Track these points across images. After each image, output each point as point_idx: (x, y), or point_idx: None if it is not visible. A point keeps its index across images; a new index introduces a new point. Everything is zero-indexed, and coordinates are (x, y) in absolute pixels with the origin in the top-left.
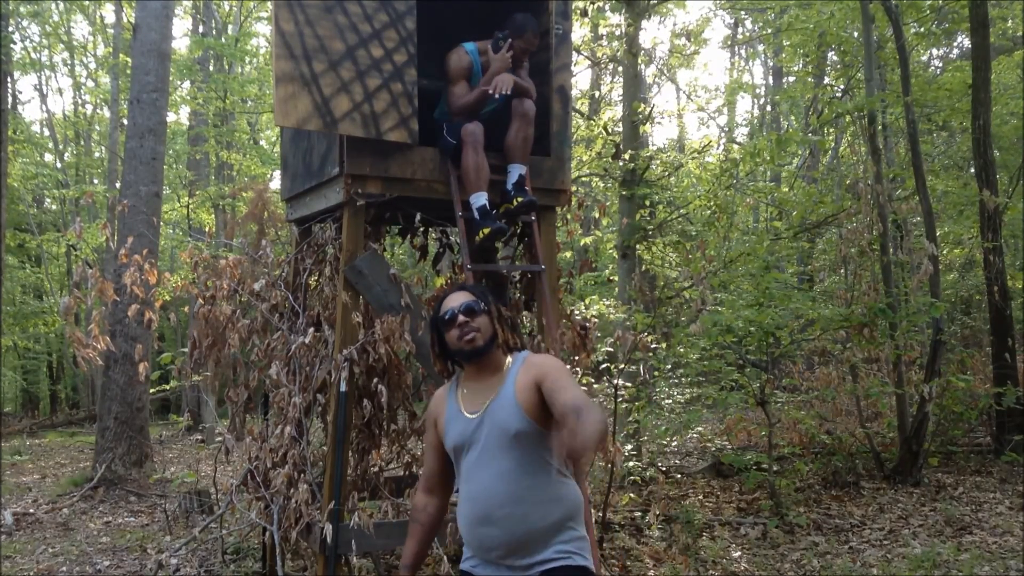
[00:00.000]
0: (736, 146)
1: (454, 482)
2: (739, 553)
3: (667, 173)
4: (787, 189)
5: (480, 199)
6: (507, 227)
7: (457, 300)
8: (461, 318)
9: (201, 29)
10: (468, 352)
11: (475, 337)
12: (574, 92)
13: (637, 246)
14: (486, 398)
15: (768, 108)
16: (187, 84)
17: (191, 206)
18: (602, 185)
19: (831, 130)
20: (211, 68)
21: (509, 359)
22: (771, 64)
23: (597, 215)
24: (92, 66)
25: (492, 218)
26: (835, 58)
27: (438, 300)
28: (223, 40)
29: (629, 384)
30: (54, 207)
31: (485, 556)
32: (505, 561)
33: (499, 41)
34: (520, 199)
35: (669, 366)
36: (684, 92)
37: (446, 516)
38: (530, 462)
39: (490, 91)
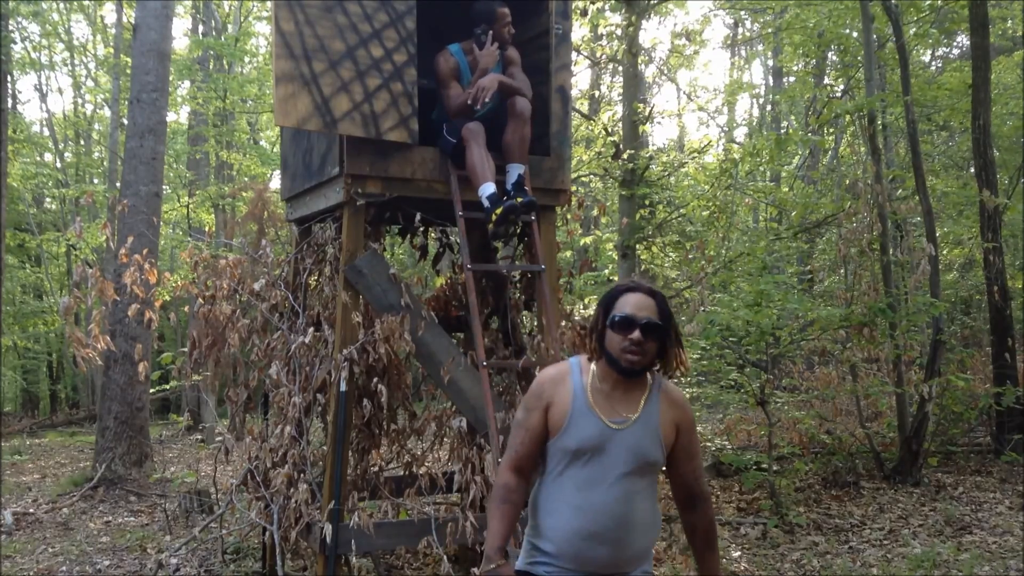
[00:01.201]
0: (736, 146)
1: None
2: (739, 553)
3: (667, 173)
4: (787, 189)
5: (488, 188)
6: (520, 207)
7: (643, 311)
8: (636, 335)
9: (201, 29)
10: (622, 367)
11: (637, 361)
12: (574, 92)
13: (637, 246)
14: (626, 412)
15: (768, 108)
16: (187, 84)
17: (191, 206)
18: (602, 185)
19: (831, 130)
20: (211, 68)
21: (648, 376)
22: (771, 64)
23: (597, 215)
24: (92, 66)
25: (503, 201)
26: (835, 58)
27: (621, 287)
28: (223, 40)
29: None
30: (54, 207)
31: (575, 566)
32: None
33: (480, 37)
34: (520, 199)
35: None
36: (684, 92)
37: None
38: (649, 491)
39: (469, 102)
